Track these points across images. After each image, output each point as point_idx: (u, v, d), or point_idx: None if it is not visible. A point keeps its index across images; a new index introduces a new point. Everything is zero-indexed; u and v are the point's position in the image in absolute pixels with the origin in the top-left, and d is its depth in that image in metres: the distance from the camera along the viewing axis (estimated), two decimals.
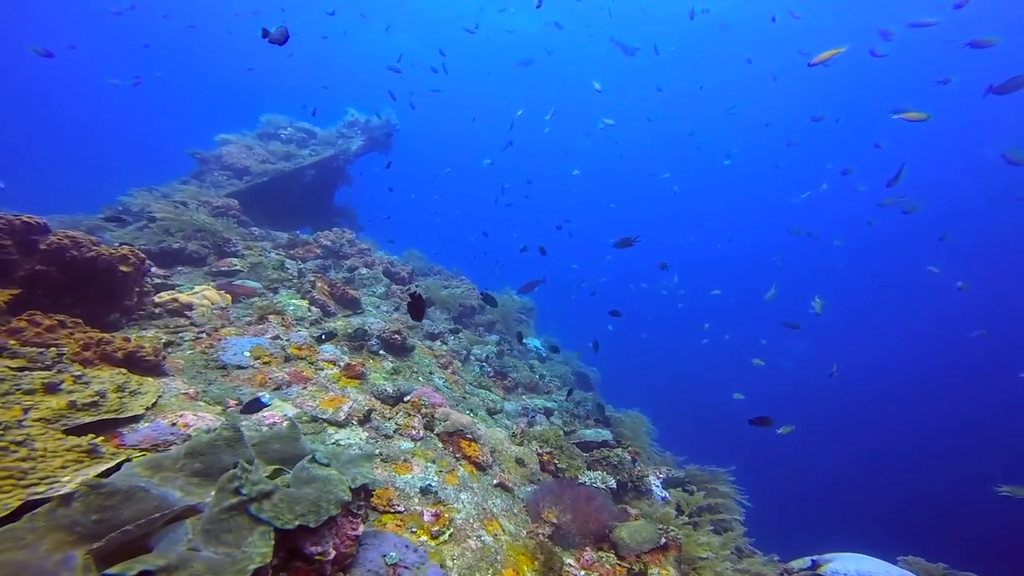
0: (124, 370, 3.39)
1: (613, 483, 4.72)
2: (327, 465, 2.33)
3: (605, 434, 6.09)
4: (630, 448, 5.62)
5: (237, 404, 3.81)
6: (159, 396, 3.36)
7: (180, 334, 4.72)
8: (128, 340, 3.70)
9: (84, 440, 2.30)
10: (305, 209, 12.15)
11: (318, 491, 2.16)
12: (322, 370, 4.81)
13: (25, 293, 4.28)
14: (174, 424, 3.16)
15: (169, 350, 4.41)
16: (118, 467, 2.34)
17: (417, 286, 8.78)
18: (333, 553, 2.13)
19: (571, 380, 9.44)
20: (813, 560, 4.36)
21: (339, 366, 4.97)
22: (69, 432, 2.64)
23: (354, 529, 2.33)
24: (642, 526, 3.98)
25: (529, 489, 4.37)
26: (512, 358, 8.35)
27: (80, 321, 4.09)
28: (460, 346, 7.45)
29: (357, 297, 6.98)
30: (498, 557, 3.21)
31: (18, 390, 2.67)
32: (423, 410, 4.46)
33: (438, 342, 7.22)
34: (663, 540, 3.97)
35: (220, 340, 4.70)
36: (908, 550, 4.95)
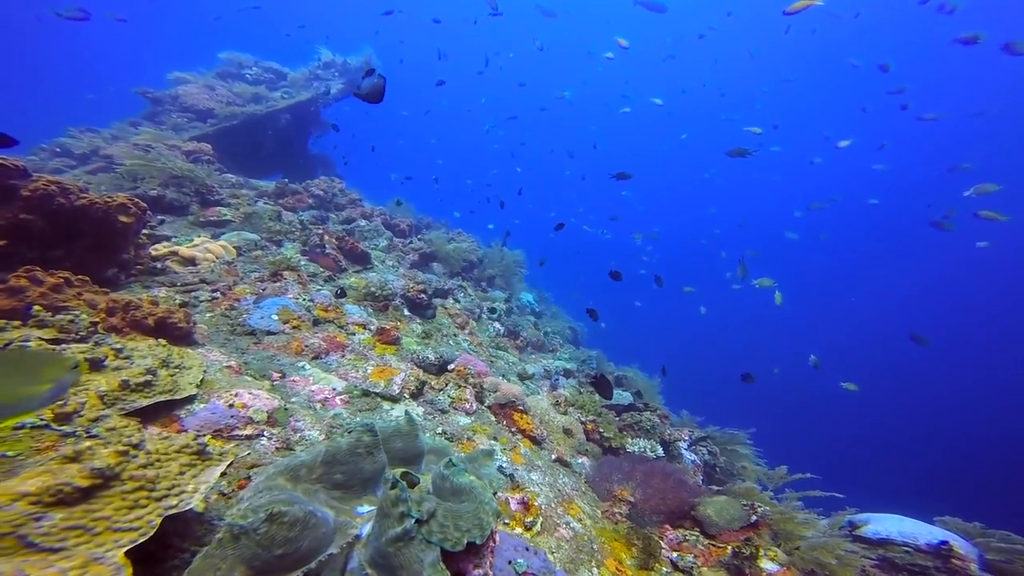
0: (163, 341, 2.99)
1: (661, 451, 4.73)
2: (465, 470, 2.12)
3: (626, 396, 6.10)
4: (657, 411, 5.65)
5: (281, 377, 3.49)
6: (204, 371, 3.01)
7: (193, 294, 4.26)
8: (156, 304, 3.26)
9: (190, 438, 1.98)
10: (279, 156, 11.17)
11: (474, 503, 1.95)
12: (354, 335, 4.49)
13: (8, 245, 3.71)
14: (231, 405, 2.84)
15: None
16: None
17: (425, 240, 8.36)
18: (491, 574, 1.97)
19: (571, 336, 9.44)
20: (850, 520, 4.53)
21: (370, 330, 4.65)
22: (128, 417, 2.30)
23: (493, 542, 2.17)
24: (727, 502, 3.85)
25: (581, 461, 4.31)
26: (518, 316, 8.20)
27: (87, 279, 3.58)
28: (472, 304, 7.20)
29: (367, 251, 6.54)
30: (594, 546, 3.12)
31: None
32: (471, 380, 4.26)
33: (450, 299, 6.94)
34: (753, 517, 3.77)
35: (239, 300, 4.27)
36: (940, 511, 5.16)
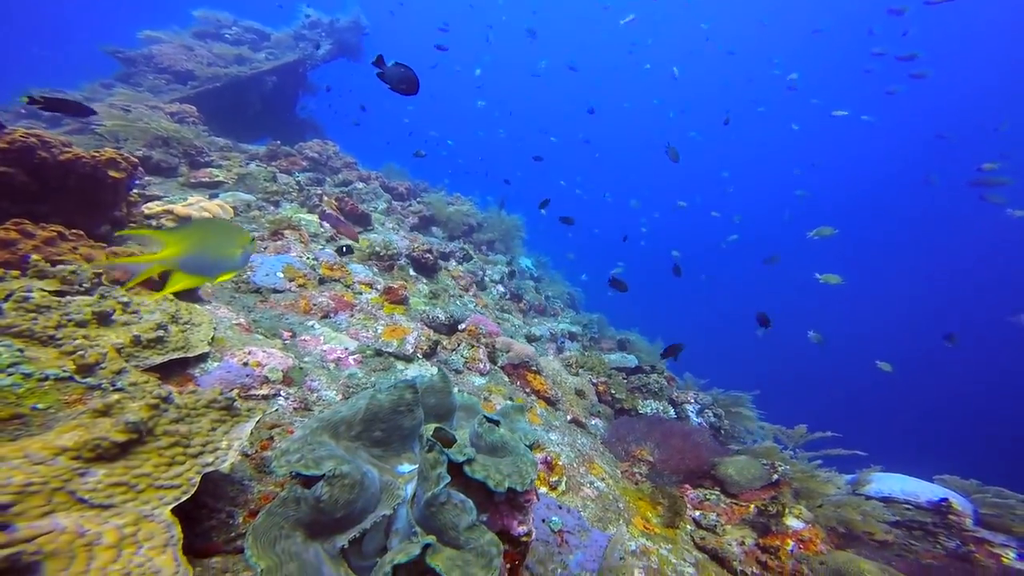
0: (170, 296, 2.84)
1: (672, 413, 4.74)
2: (498, 423, 2.04)
3: (631, 359, 6.10)
4: (664, 374, 5.66)
5: (291, 336, 3.37)
6: (214, 328, 2.87)
7: None
8: None
9: (216, 393, 1.87)
10: (266, 121, 10.67)
11: (513, 456, 1.88)
12: (361, 294, 4.36)
13: None
14: (246, 363, 2.72)
15: None
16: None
17: (424, 203, 8.14)
18: (534, 532, 1.91)
19: (570, 301, 9.39)
20: (851, 479, 4.62)
21: (377, 289, 4.52)
22: (146, 374, 2.18)
23: (536, 498, 2.11)
24: (748, 462, 3.84)
25: (595, 423, 4.29)
26: (519, 280, 8.10)
27: (81, 233, 3.37)
28: (475, 267, 7.07)
29: (367, 212, 6.34)
30: (620, 505, 3.11)
31: (70, 321, 2.12)
32: (483, 340, 4.18)
33: (452, 262, 6.80)
34: (774, 476, 3.77)
35: None
36: (939, 470, 5.28)
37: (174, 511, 1.51)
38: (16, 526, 1.35)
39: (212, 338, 2.73)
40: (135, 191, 4.99)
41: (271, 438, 2.39)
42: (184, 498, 1.58)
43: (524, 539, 1.93)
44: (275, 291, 3.80)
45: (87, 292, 2.49)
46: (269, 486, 2.23)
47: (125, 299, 2.51)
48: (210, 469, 1.65)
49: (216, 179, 6.17)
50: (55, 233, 3.16)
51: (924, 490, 4.45)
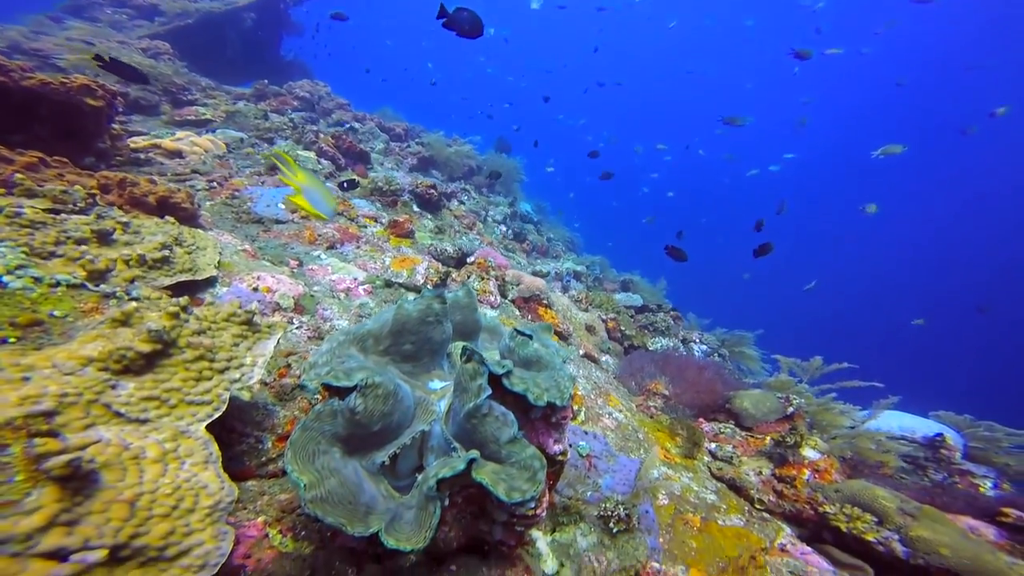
0: (171, 219, 2.67)
1: (682, 349, 4.72)
2: (531, 337, 1.94)
3: (636, 298, 6.05)
4: (671, 312, 5.63)
5: (298, 265, 3.23)
6: (220, 252, 2.72)
7: (188, 183, 3.85)
8: (154, 183, 2.88)
9: (235, 306, 1.74)
10: (247, 62, 9.92)
11: (550, 370, 1.79)
12: (366, 227, 4.19)
13: None
14: (255, 288, 2.59)
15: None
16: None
17: (423, 144, 7.80)
18: (569, 452, 1.85)
19: (571, 244, 9.26)
20: (867, 413, 4.66)
21: (381, 223, 4.35)
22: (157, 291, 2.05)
23: (572, 414, 2.05)
24: (763, 395, 3.80)
25: (606, 359, 4.25)
26: (521, 222, 7.92)
27: (66, 161, 3.14)
28: (478, 207, 6.87)
29: (365, 151, 6.05)
30: (639, 436, 3.08)
31: (69, 239, 1.96)
32: (493, 272, 4.06)
33: (455, 202, 6.59)
34: (789, 409, 3.75)
35: (240, 190, 3.89)
36: (937, 406, 5.35)
37: (207, 430, 1.42)
38: (65, 436, 1.26)
39: (219, 262, 2.59)
40: (117, 124, 4.68)
41: (288, 365, 2.30)
42: (216, 415, 1.49)
43: (560, 458, 1.88)
44: (277, 222, 3.62)
45: (82, 211, 2.31)
46: (294, 411, 2.16)
47: (124, 219, 2.34)
48: (238, 386, 1.55)
49: (203, 117, 5.83)
50: (36, 159, 2.93)
51: (920, 426, 4.54)
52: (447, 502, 1.50)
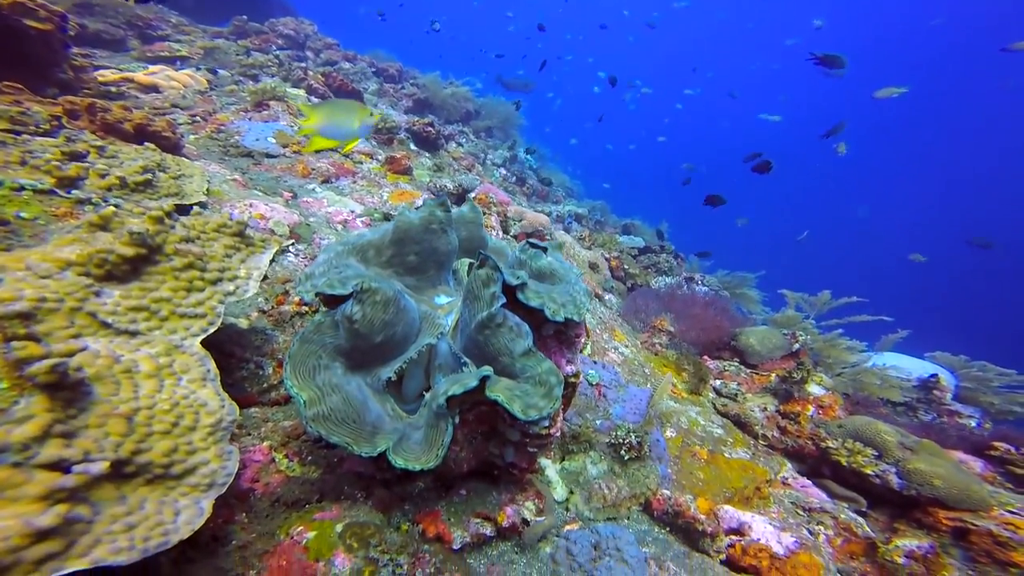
0: (152, 146, 2.49)
1: (687, 289, 4.66)
2: (545, 249, 1.84)
3: (638, 240, 5.95)
4: (673, 253, 5.54)
5: (292, 196, 3.08)
6: (208, 181, 2.57)
7: (168, 116, 3.62)
8: (129, 109, 2.69)
9: (225, 217, 1.62)
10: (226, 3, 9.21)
11: (565, 284, 1.69)
12: (361, 163, 4.01)
13: None
14: (248, 216, 2.46)
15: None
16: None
17: (419, 85, 7.44)
18: (581, 374, 1.77)
19: (571, 191, 9.06)
20: (873, 351, 4.65)
21: (377, 160, 4.16)
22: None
23: (587, 335, 1.96)
24: (769, 331, 3.74)
25: (609, 298, 4.17)
26: (520, 167, 7.69)
27: (21, 87, 2.89)
28: (477, 149, 6.63)
29: (358, 89, 5.75)
30: (645, 371, 3.02)
31: (35, 159, 1.81)
32: (495, 208, 3.92)
33: (453, 143, 6.34)
34: (795, 346, 3.70)
35: (225, 125, 3.68)
36: (934, 347, 5.35)
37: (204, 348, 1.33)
38: (49, 344, 1.17)
39: (207, 189, 2.44)
40: (79, 55, 4.35)
41: (286, 292, 2.20)
42: (211, 329, 1.40)
43: (572, 380, 1.81)
44: (268, 155, 3.44)
45: (47, 133, 2.14)
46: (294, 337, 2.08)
47: (98, 143, 2.18)
48: (233, 299, 1.45)
49: (178, 54, 5.48)
50: None
51: (916, 367, 4.54)
52: (458, 419, 1.44)
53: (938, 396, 4.64)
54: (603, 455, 2.20)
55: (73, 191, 1.53)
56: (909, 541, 2.39)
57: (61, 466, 1.09)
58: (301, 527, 1.62)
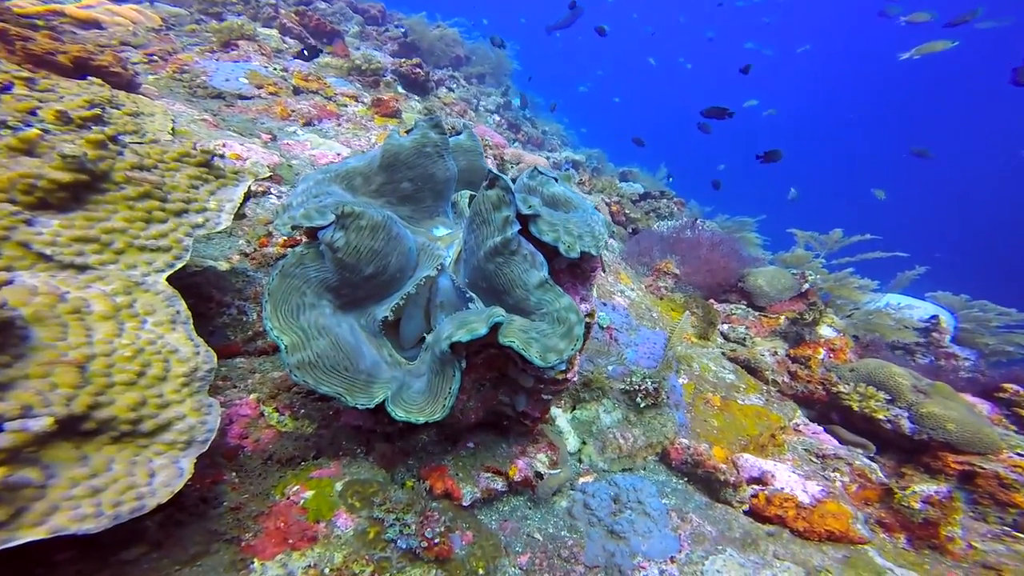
0: (98, 81, 2.21)
1: (689, 233, 4.47)
2: (556, 180, 1.63)
3: (637, 186, 5.74)
4: (673, 199, 5.34)
5: (272, 138, 2.83)
6: (173, 120, 2.30)
7: (118, 54, 3.28)
8: (59, 39, 2.38)
9: (188, 146, 1.40)
10: None
11: (580, 211, 1.49)
12: (346, 106, 3.72)
13: None
14: (222, 155, 2.22)
15: None
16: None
17: (404, 27, 6.96)
18: (596, 314, 1.58)
19: (566, 140, 8.72)
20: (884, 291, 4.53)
21: (363, 102, 3.86)
22: None
23: (603, 269, 1.77)
24: (777, 272, 3.58)
25: (611, 243, 3.98)
26: (514, 113, 7.33)
27: None
28: (469, 95, 6.27)
29: (339, 31, 5.33)
30: (653, 314, 2.87)
31: None
32: (491, 151, 3.67)
33: (443, 89, 5.98)
34: (804, 286, 3.54)
35: (189, 65, 3.35)
36: (935, 287, 5.25)
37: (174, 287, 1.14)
38: None
39: (173, 128, 2.18)
40: None
41: (269, 234, 2.00)
42: (178, 264, 1.21)
43: (587, 319, 1.65)
44: (242, 96, 3.15)
45: None
46: None
47: (25, 74, 1.90)
48: (202, 233, 1.26)
49: None
50: None
51: (918, 309, 4.44)
52: (465, 364, 1.27)
53: (936, 339, 4.60)
54: (617, 403, 2.08)
55: None
56: (927, 486, 2.33)
57: None
58: (298, 486, 1.48)
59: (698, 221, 5.38)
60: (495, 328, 1.22)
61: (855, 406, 3.10)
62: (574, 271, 1.56)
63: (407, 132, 1.55)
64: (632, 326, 2.26)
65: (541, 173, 1.61)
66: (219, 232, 1.31)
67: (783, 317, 3.44)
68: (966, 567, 2.08)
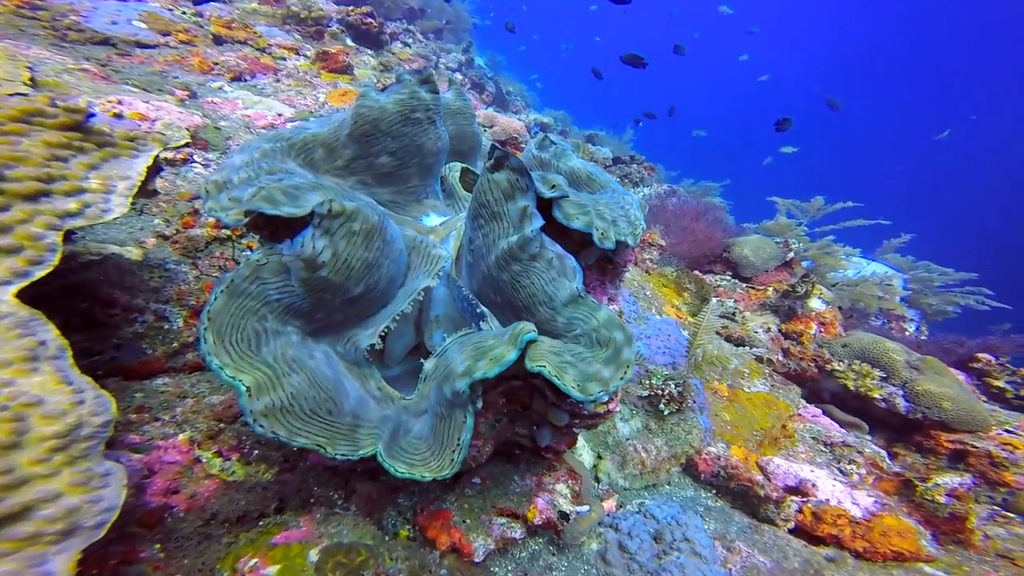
0: None
1: (672, 201, 4.23)
2: (572, 152, 1.27)
3: (605, 151, 5.46)
4: (644, 164, 5.07)
5: (190, 96, 2.27)
6: (28, 67, 1.72)
7: None
8: None
9: (42, 101, 0.93)
10: None
11: (610, 191, 1.15)
12: (284, 59, 3.14)
13: None
14: (117, 115, 1.70)
15: None
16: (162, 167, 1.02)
17: None
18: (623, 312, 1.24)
19: (529, 101, 8.26)
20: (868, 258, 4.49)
21: (305, 56, 3.29)
22: None
23: (631, 258, 1.43)
24: (763, 241, 3.43)
25: None
26: (477, 70, 6.78)
27: None
28: (427, 51, 5.66)
29: None
30: (647, 292, 2.60)
31: None
32: None
33: (397, 43, 5.34)
34: (789, 255, 3.43)
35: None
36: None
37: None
38: None
39: (31, 78, 1.61)
40: None
41: (194, 211, 1.53)
42: (37, 271, 0.78)
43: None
44: (140, 44, 2.53)
45: None
46: (213, 271, 1.45)
47: None
48: (80, 223, 0.82)
49: None
50: None
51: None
52: (480, 404, 0.91)
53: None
54: (635, 409, 1.78)
55: None
56: (949, 478, 2.21)
57: None
58: (255, 558, 1.08)
59: (664, 187, 5.18)
60: (526, 349, 0.86)
61: (851, 385, 2.97)
62: (603, 266, 1.21)
63: (384, 89, 1.13)
64: (640, 314, 1.97)
65: (553, 142, 1.25)
66: (109, 221, 0.86)
67: (770, 288, 3.29)
68: (989, 559, 1.98)
